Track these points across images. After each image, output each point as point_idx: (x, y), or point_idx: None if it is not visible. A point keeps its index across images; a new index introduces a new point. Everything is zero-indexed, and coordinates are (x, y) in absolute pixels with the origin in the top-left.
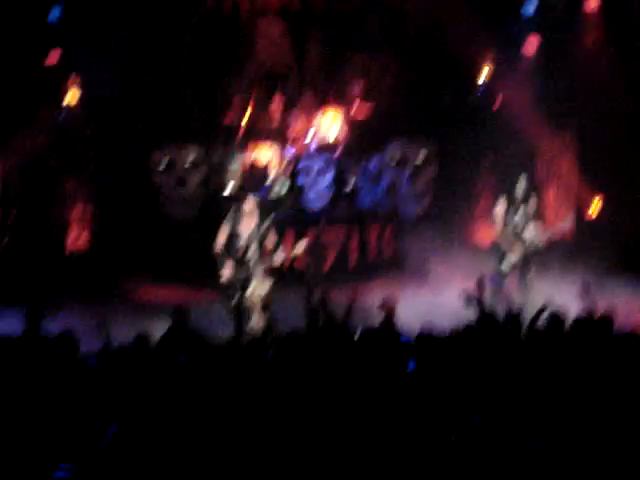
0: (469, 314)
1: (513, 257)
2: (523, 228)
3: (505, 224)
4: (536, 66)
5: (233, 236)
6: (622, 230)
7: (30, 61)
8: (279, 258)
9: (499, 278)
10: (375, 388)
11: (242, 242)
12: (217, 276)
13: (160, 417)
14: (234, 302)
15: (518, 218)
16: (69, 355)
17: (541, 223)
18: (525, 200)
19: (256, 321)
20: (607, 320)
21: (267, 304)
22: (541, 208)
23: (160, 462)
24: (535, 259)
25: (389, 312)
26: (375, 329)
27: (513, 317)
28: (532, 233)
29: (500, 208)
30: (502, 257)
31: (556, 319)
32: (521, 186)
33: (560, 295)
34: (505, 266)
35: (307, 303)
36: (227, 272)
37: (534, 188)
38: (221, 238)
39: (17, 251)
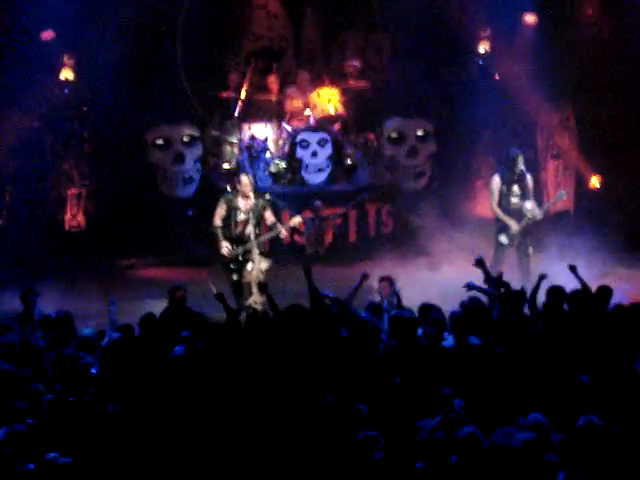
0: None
1: (512, 230)
2: (520, 202)
3: (501, 198)
4: (534, 40)
5: (231, 212)
6: (621, 205)
7: (25, 37)
8: (275, 231)
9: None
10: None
11: (241, 218)
12: (216, 252)
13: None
14: (234, 278)
15: (515, 192)
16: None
17: (539, 197)
18: (522, 175)
19: (256, 297)
20: (604, 293)
21: (264, 281)
22: (541, 183)
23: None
24: (534, 233)
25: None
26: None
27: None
28: (530, 207)
29: (495, 183)
30: (501, 231)
31: (556, 293)
32: (517, 161)
33: (559, 270)
34: (503, 239)
35: (309, 284)
36: (226, 247)
37: (533, 163)
38: (219, 214)
39: (12, 231)
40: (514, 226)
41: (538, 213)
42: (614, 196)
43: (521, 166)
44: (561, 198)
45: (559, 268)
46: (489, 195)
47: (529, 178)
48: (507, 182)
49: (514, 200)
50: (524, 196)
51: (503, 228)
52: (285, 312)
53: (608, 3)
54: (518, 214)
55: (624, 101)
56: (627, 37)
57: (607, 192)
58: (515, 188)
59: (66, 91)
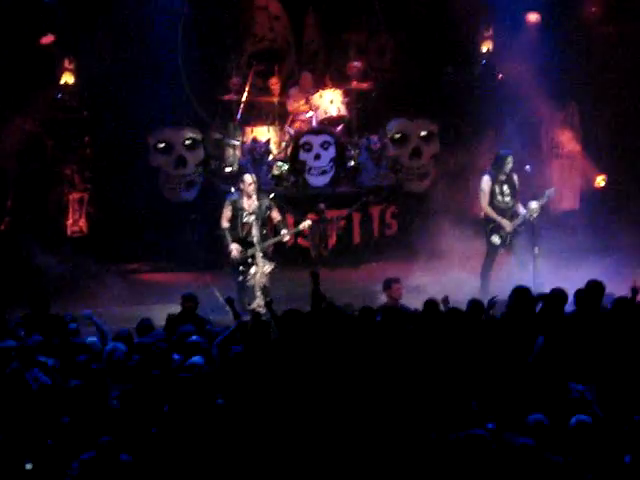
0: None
1: (505, 230)
2: (511, 202)
3: (492, 198)
4: (537, 39)
5: (237, 213)
6: (627, 203)
7: (25, 42)
8: (282, 236)
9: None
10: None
11: (246, 219)
12: (225, 255)
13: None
14: (239, 280)
15: (506, 192)
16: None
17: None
18: (510, 175)
19: (260, 300)
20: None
21: (266, 284)
22: (544, 184)
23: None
24: (538, 232)
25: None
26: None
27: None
28: (535, 206)
29: (486, 182)
30: (493, 231)
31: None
32: (507, 161)
33: (564, 270)
34: (496, 240)
35: (313, 286)
36: (235, 250)
37: (538, 162)
38: (226, 215)
39: (16, 235)
40: (507, 226)
41: (533, 211)
42: (620, 194)
43: (510, 166)
44: (551, 196)
45: (563, 269)
46: (480, 195)
47: (515, 178)
48: (497, 182)
49: (505, 199)
50: (514, 196)
51: (495, 228)
52: (283, 317)
53: (612, 1)
54: (509, 213)
55: (628, 99)
56: (631, 34)
57: (612, 190)
58: (505, 188)
59: (67, 94)
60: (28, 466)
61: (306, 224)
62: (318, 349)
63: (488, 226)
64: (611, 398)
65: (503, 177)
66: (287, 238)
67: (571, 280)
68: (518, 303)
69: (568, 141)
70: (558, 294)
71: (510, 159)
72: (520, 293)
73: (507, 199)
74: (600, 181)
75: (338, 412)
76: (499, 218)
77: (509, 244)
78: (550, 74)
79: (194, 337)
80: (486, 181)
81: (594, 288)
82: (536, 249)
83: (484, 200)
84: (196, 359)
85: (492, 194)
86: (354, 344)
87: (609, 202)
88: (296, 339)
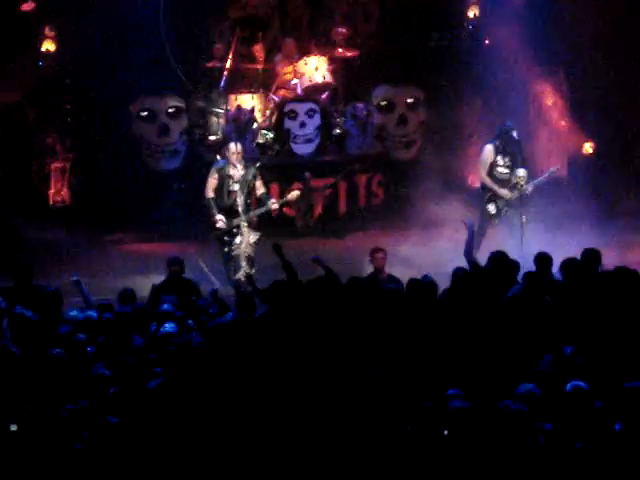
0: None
1: (502, 200)
2: (509, 173)
3: (491, 169)
4: (525, 3)
5: (224, 181)
6: (615, 171)
7: (5, 9)
8: (269, 205)
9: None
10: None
11: (233, 188)
12: (210, 224)
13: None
14: (225, 250)
15: (506, 163)
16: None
17: (531, 167)
18: (515, 145)
19: (245, 270)
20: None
21: (251, 254)
22: (532, 150)
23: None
24: (526, 202)
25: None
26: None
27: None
28: (522, 174)
29: (488, 153)
30: (490, 200)
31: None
32: (511, 134)
33: (553, 239)
34: (492, 208)
35: (282, 260)
36: (221, 220)
37: (525, 130)
38: (211, 184)
39: None
40: (506, 195)
41: (528, 186)
42: (607, 162)
43: (515, 138)
44: (552, 175)
45: (554, 237)
46: (480, 164)
47: (518, 149)
48: (498, 153)
49: (504, 170)
50: (513, 167)
51: (492, 198)
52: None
53: None
54: (507, 185)
55: (616, 65)
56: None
57: (600, 158)
58: (506, 159)
59: (48, 63)
60: (13, 427)
61: (294, 194)
62: (310, 322)
63: (485, 195)
64: (602, 364)
65: (506, 149)
66: (274, 207)
67: (561, 248)
68: (497, 269)
69: (556, 108)
70: (544, 257)
71: (514, 132)
72: (498, 260)
73: (505, 170)
74: (588, 148)
75: (329, 392)
76: (497, 188)
77: (504, 215)
78: (538, 40)
79: (165, 306)
80: (487, 152)
81: (590, 256)
82: (524, 218)
83: (483, 170)
84: (168, 328)
85: (492, 165)
86: (345, 315)
87: (597, 170)
88: (285, 311)
